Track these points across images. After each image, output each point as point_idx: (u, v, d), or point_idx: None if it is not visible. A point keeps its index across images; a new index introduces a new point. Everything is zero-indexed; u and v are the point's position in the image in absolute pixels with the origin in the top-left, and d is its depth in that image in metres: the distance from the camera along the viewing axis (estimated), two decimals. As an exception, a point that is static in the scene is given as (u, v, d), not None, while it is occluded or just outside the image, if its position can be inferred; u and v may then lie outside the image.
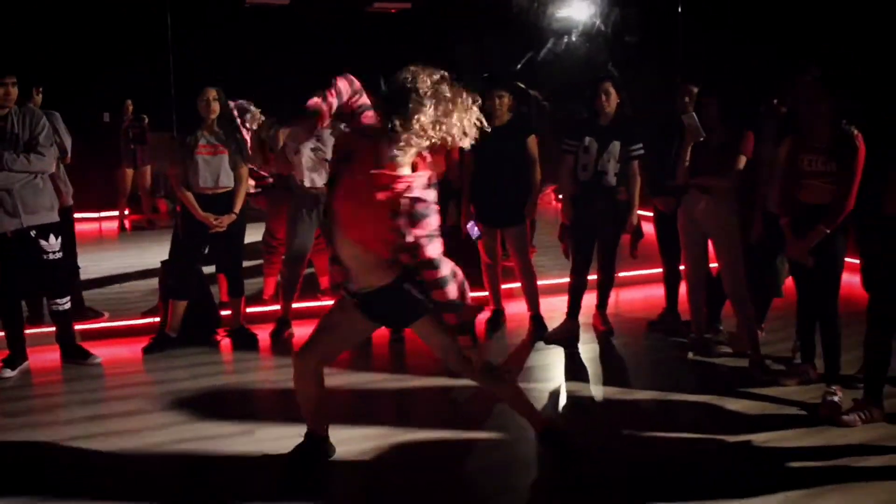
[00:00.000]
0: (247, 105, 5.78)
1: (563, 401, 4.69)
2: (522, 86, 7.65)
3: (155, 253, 7.49)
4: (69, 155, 5.91)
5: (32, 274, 5.17)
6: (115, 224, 10.92)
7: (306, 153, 5.53)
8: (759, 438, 4.01)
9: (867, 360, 4.25)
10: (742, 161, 4.96)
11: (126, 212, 11.05)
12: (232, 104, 5.58)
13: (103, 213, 11.19)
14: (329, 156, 5.46)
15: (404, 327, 3.52)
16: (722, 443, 3.99)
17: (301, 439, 3.72)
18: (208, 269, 5.97)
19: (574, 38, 10.46)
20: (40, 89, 6.05)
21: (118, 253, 9.10)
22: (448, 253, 3.12)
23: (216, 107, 5.37)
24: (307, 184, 5.56)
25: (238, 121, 5.59)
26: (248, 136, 5.66)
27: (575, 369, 5.19)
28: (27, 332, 5.24)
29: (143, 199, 11.10)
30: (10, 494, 3.49)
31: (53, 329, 5.34)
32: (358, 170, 3.08)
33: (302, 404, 3.66)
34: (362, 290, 3.30)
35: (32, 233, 5.00)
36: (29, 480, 3.66)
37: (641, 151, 5.52)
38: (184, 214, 5.50)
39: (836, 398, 4.31)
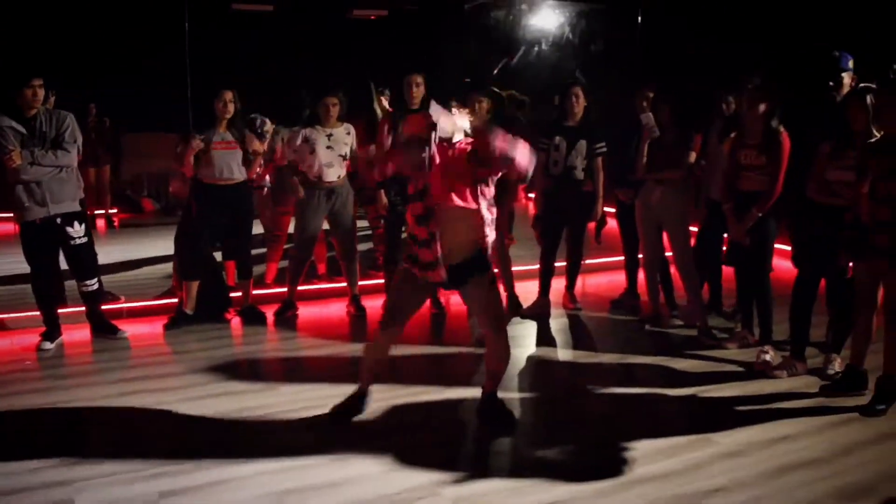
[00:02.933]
0: (261, 118, 6.50)
1: (535, 363, 5.43)
2: (497, 90, 8.38)
3: (150, 246, 8.18)
4: (80, 153, 6.50)
5: (57, 258, 5.76)
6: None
7: (321, 150, 6.13)
8: (702, 389, 4.79)
9: (792, 325, 5.03)
10: (692, 157, 5.74)
11: (114, 210, 11.57)
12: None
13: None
14: (343, 152, 6.17)
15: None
16: (671, 393, 4.76)
17: (325, 397, 4.41)
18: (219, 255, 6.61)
19: (545, 47, 11.25)
20: (54, 92, 6.63)
21: (116, 246, 9.60)
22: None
23: (231, 107, 5.97)
24: (325, 178, 6.16)
25: (257, 129, 6.27)
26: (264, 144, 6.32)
27: (547, 338, 5.97)
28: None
29: (103, 195, 11.29)
30: (64, 443, 4.17)
31: (81, 309, 5.93)
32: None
33: (366, 367, 4.30)
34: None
35: (58, 220, 5.56)
36: (80, 430, 4.33)
37: (605, 149, 6.29)
38: (195, 202, 6.05)
39: (768, 356, 5.09)
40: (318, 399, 4.55)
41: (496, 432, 4.18)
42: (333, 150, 6.16)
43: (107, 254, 8.49)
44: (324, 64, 11.39)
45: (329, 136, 6.17)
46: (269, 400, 4.63)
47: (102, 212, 11.44)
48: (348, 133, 6.26)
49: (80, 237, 5.68)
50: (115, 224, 11.51)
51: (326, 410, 4.35)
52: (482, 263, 4.01)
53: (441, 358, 5.53)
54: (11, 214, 5.60)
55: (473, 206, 3.88)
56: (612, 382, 4.97)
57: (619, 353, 5.48)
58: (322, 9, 12.56)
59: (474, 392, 4.60)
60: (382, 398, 4.61)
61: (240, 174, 6.04)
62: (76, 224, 5.65)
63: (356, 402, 4.36)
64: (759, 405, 4.56)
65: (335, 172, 6.18)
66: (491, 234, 3.99)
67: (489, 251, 4.03)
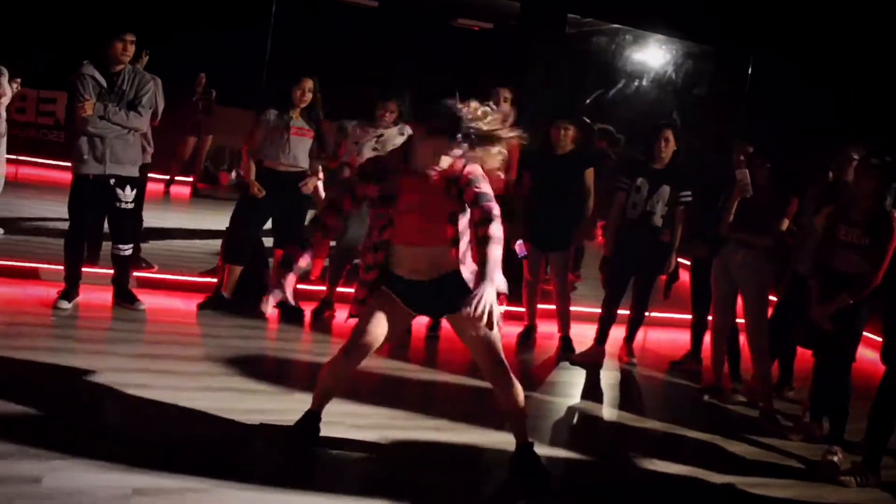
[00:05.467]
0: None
1: (576, 417, 4.99)
2: (587, 120, 7.97)
3: (218, 220, 7.96)
4: (159, 119, 6.34)
5: (103, 218, 5.60)
6: (181, 188, 11.28)
7: (366, 152, 5.77)
8: (755, 481, 4.25)
9: (871, 428, 4.45)
10: (784, 223, 5.23)
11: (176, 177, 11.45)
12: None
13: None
14: None
15: (441, 317, 3.77)
16: (719, 479, 4.23)
17: (345, 413, 4.08)
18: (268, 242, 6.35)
19: (645, 83, 10.79)
20: (147, 52, 6.47)
21: (184, 215, 9.54)
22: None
23: (310, 96, 5.84)
24: None
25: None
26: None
27: (595, 391, 5.50)
28: (84, 270, 5.59)
29: (198, 166, 11.41)
30: (55, 412, 3.93)
31: (110, 271, 5.71)
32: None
33: (322, 390, 3.86)
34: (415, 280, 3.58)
35: (112, 181, 5.41)
36: (75, 401, 4.09)
37: (689, 199, 5.81)
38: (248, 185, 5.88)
39: (836, 458, 4.52)
40: (338, 415, 4.07)
41: (526, 489, 3.76)
42: (378, 152, 5.86)
43: (170, 220, 8.44)
44: (420, 66, 11.12)
45: (379, 136, 5.91)
46: (283, 405, 4.29)
47: (190, 179, 11.40)
48: (401, 134, 5.91)
49: (127, 202, 5.53)
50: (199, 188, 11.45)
51: (345, 427, 4.01)
52: (467, 290, 3.42)
53: (480, 392, 5.11)
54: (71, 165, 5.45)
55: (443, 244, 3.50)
56: (657, 454, 4.46)
57: (670, 423, 4.97)
58: (427, 12, 12.34)
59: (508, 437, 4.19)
60: (409, 426, 4.30)
61: (305, 162, 5.90)
62: (128, 189, 5.50)
63: (311, 423, 3.88)
64: (816, 514, 4.03)
65: None
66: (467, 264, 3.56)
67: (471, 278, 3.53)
